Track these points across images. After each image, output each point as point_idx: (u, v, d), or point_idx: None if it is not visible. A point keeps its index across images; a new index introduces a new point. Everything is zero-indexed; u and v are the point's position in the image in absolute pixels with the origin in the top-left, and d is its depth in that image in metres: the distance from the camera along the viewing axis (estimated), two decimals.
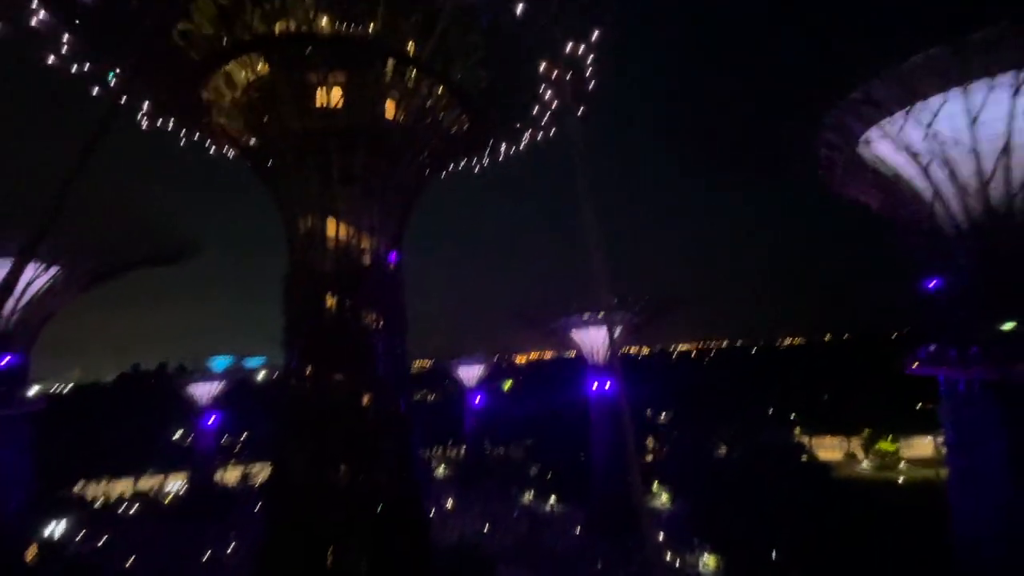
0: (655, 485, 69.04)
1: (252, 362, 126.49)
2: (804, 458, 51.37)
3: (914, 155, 30.11)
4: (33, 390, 57.79)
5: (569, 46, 30.02)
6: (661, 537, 52.44)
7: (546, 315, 71.99)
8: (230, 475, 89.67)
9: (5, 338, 47.99)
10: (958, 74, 26.69)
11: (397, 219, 33.60)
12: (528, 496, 73.10)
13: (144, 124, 33.00)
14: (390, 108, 31.53)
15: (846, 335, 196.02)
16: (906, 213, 33.27)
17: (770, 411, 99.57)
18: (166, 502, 79.84)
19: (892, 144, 30.46)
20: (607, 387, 66.42)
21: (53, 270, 49.27)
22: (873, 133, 30.62)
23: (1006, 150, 28.11)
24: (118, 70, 27.90)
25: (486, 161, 43.87)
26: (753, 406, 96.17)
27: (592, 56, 31.85)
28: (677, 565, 48.36)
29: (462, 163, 42.22)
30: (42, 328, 52.62)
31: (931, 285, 32.79)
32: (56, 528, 59.16)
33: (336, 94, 29.78)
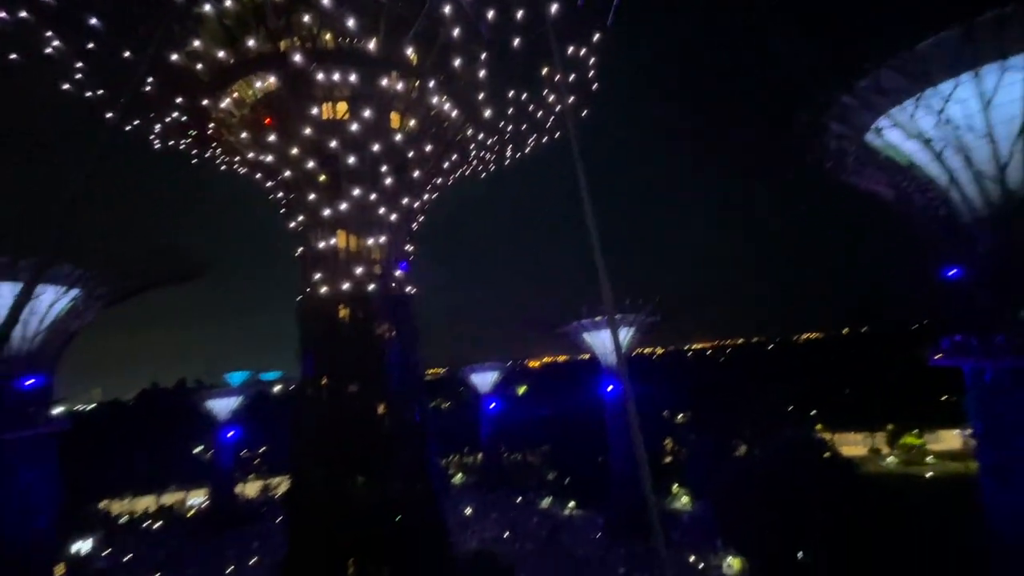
0: (675, 487, 68.16)
1: (268, 376, 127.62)
2: (827, 455, 50.36)
3: (927, 142, 29.55)
4: (57, 410, 59.00)
5: (570, 49, 30.11)
6: (682, 540, 51.72)
7: (557, 320, 71.82)
8: (250, 488, 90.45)
9: (30, 359, 49.06)
10: (969, 57, 26.18)
11: (406, 229, 33.88)
12: (547, 501, 72.65)
13: (156, 145, 33.75)
14: (395, 119, 31.90)
15: (865, 328, 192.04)
16: (921, 201, 32.60)
17: (790, 408, 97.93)
18: (188, 516, 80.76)
19: (903, 132, 29.95)
20: (619, 389, 65.94)
21: (73, 292, 50.38)
22: (883, 122, 30.12)
23: (1022, 133, 27.48)
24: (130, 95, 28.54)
25: (492, 167, 44.05)
26: (772, 403, 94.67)
27: (593, 58, 31.91)
28: (700, 567, 47.61)
29: (469, 170, 42.44)
30: (64, 349, 53.73)
31: (951, 274, 32.02)
32: (83, 545, 60.10)
33: (342, 108, 30.19)
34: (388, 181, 31.27)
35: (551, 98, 34.26)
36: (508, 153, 42.30)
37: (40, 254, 46.88)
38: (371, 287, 30.73)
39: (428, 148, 33.42)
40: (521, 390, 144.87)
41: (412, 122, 32.32)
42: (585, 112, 37.25)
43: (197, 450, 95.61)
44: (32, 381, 49.47)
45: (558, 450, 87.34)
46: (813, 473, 43.81)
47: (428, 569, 29.33)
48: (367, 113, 30.04)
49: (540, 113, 36.10)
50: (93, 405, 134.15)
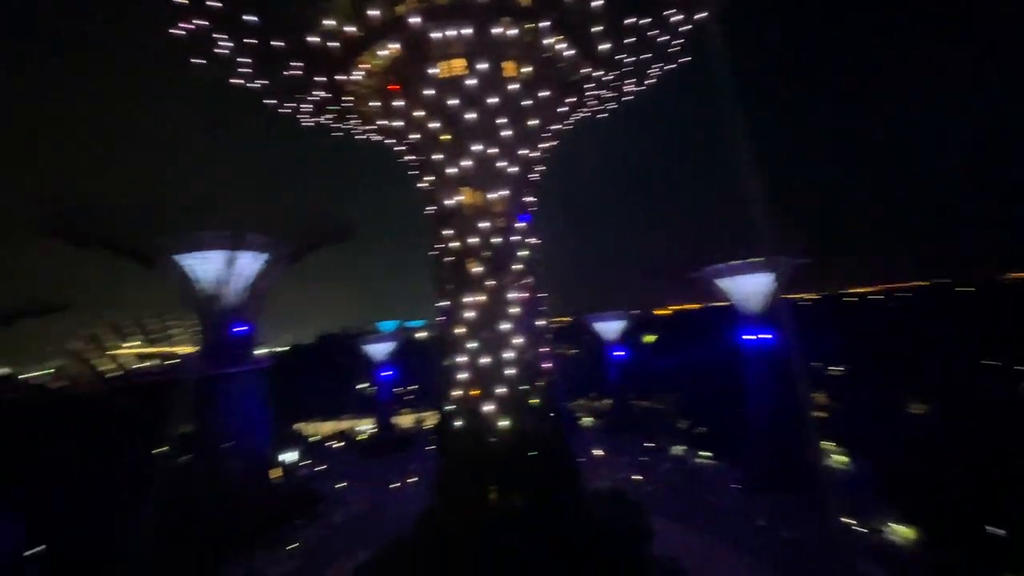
0: (826, 444, 61.93)
1: (414, 324, 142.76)
2: None
3: None
4: (261, 351, 73.62)
5: None
6: (833, 499, 47.37)
7: (688, 266, 67.45)
8: (405, 420, 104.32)
9: (239, 311, 61.49)
10: None
11: (527, 181, 34.05)
12: (678, 449, 71.67)
13: (305, 123, 38.09)
14: (510, 68, 31.50)
15: None
16: None
17: (987, 362, 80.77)
18: (359, 439, 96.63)
19: None
20: (764, 338, 60.60)
21: (263, 256, 61.14)
22: None
23: None
24: (283, 79, 32.31)
25: (612, 105, 41.55)
26: (959, 356, 79.00)
27: None
28: (856, 530, 43.41)
29: (587, 112, 40.60)
30: (262, 302, 66.00)
31: None
32: (288, 456, 75.87)
33: (459, 64, 30.66)
34: (506, 133, 31.43)
35: (676, 17, 30.63)
36: (628, 88, 39.34)
37: (238, 228, 57.59)
38: (496, 240, 31.90)
39: (544, 94, 32.58)
40: (649, 339, 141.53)
41: (527, 68, 31.63)
42: (716, 28, 32.72)
43: (361, 386, 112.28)
44: (243, 328, 62.09)
45: (689, 399, 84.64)
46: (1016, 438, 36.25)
47: (559, 499, 31.38)
48: (483, 65, 30.13)
49: (664, 37, 32.60)
50: (286, 348, 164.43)
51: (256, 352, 66.52)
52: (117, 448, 65.57)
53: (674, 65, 36.66)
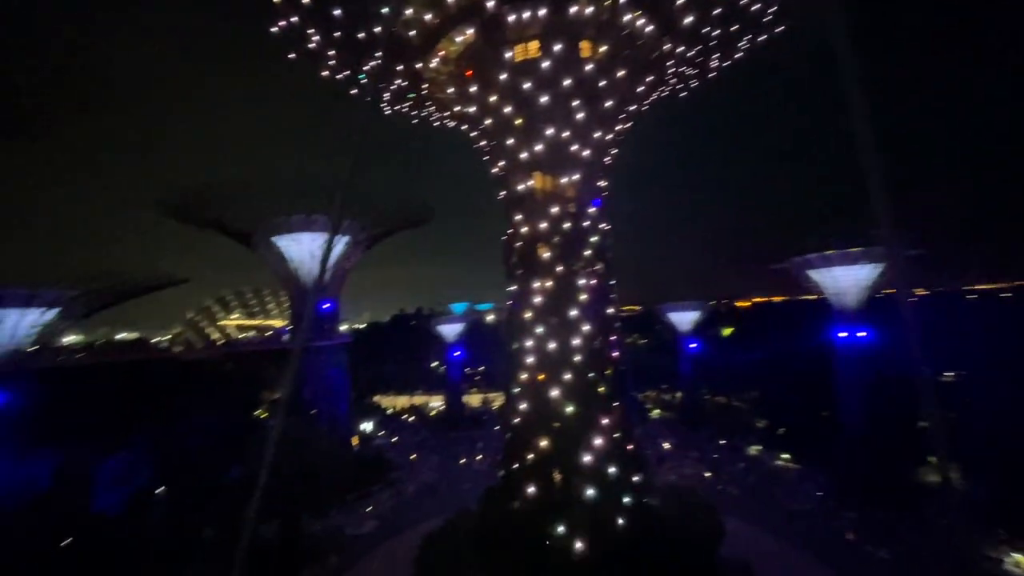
0: (933, 458, 55.48)
1: (483, 307, 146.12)
2: None
3: None
4: (343, 327, 79.10)
5: None
6: (938, 520, 42.52)
7: (775, 254, 62.65)
8: (474, 399, 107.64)
9: (324, 289, 66.29)
10: None
11: (600, 165, 33.16)
12: (754, 448, 67.74)
13: (386, 111, 39.63)
14: (586, 48, 30.60)
15: None
16: None
17: None
18: (431, 415, 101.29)
19: None
20: (861, 336, 55.15)
21: (346, 238, 65.17)
22: None
23: None
24: (366, 70, 33.77)
25: (694, 84, 39.14)
26: None
27: None
28: (963, 556, 38.71)
29: (666, 91, 38.56)
30: (344, 281, 70.66)
31: None
32: (366, 425, 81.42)
33: (533, 46, 30.26)
34: (580, 116, 30.70)
35: None
36: (713, 64, 36.76)
37: (330, 212, 61.68)
38: (566, 225, 31.51)
39: (621, 74, 31.32)
40: (727, 331, 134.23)
41: (603, 48, 30.54)
42: None
43: (433, 364, 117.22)
44: (328, 305, 66.88)
45: (770, 397, 79.32)
46: None
47: (624, 488, 30.94)
48: (558, 47, 29.52)
49: (756, 5, 29.95)
50: (363, 325, 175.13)
51: (339, 328, 71.55)
52: (223, 408, 73.81)
53: (766, 36, 33.68)
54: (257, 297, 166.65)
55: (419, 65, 33.10)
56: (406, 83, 35.29)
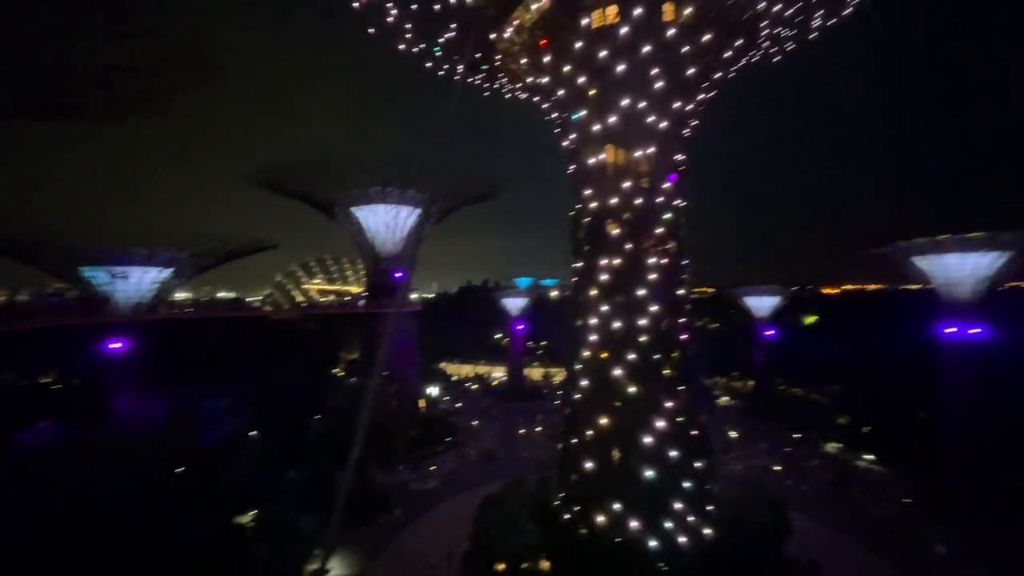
0: None
1: (547, 282, 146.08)
2: None
3: None
4: (413, 296, 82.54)
5: None
6: None
7: (874, 238, 56.50)
8: (535, 372, 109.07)
9: (397, 259, 69.24)
10: None
11: (677, 137, 31.33)
12: (833, 446, 63.24)
13: (457, 82, 39.74)
14: (669, 11, 28.61)
15: None
16: None
17: None
18: (493, 384, 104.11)
19: None
20: (973, 333, 48.94)
21: (417, 211, 67.27)
22: None
23: None
24: (440, 42, 33.93)
25: (789, 47, 35.56)
26: None
27: None
28: None
29: (758, 55, 35.30)
30: (416, 252, 73.26)
31: None
32: (433, 390, 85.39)
33: (612, 11, 28.77)
34: (659, 85, 29.00)
35: None
36: (815, 23, 33.05)
37: (399, 184, 63.94)
38: (638, 201, 30.33)
39: (707, 38, 29.02)
40: (809, 319, 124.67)
41: (688, 10, 28.36)
42: None
43: (497, 336, 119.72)
44: (400, 274, 69.86)
45: (855, 393, 73.09)
46: None
47: (686, 472, 30.27)
48: (638, 11, 27.85)
49: None
50: (432, 295, 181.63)
51: (409, 296, 74.76)
52: (305, 364, 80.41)
53: None
54: (337, 264, 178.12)
55: (493, 35, 32.68)
56: (479, 55, 35.07)
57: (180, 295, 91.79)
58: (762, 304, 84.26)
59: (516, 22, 31.68)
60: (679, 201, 31.64)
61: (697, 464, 31.07)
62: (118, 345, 50.41)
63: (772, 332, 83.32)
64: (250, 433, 51.41)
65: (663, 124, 29.79)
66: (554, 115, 34.55)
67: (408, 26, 33.11)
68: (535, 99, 36.74)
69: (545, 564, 29.81)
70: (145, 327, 52.23)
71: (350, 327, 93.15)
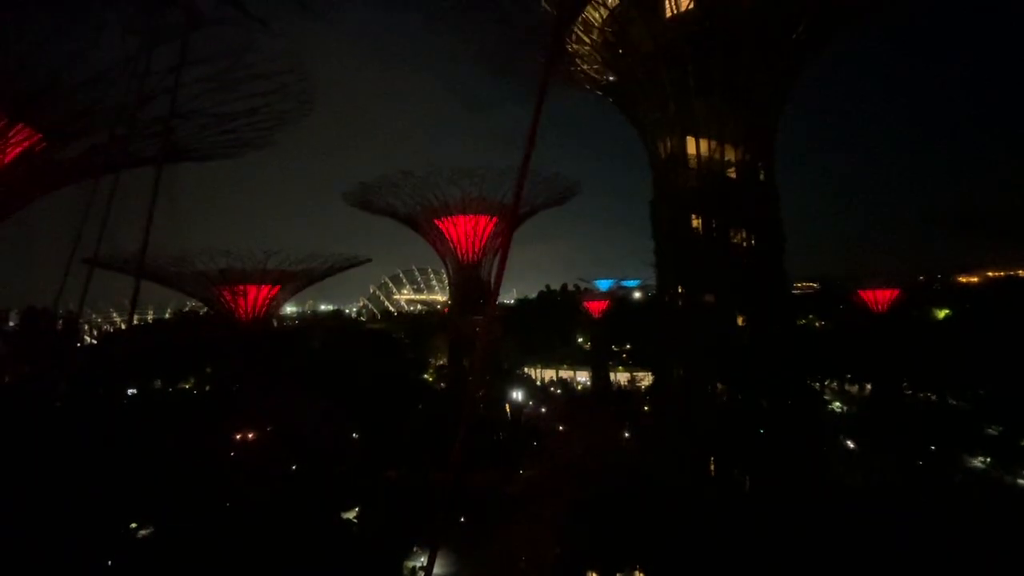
0: None
1: (629, 284, 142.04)
2: None
3: None
4: (498, 303, 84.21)
5: None
6: None
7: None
8: (620, 376, 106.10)
9: (479, 267, 71.34)
10: None
11: (764, 125, 29.05)
12: (978, 460, 54.30)
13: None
14: None
15: None
16: None
17: None
18: (577, 389, 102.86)
19: None
20: None
21: (495, 220, 68.91)
22: None
23: None
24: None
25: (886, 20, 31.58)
26: None
27: None
28: None
29: (857, 28, 31.69)
30: (497, 259, 74.91)
31: None
32: (516, 393, 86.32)
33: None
34: (740, 71, 27.11)
35: None
36: None
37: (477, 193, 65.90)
38: (724, 191, 28.50)
39: (787, 16, 26.66)
40: (941, 313, 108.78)
41: None
42: None
43: (579, 340, 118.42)
44: (485, 281, 71.79)
45: (1008, 398, 62.23)
46: None
47: (791, 487, 27.67)
48: None
49: None
50: (512, 301, 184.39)
51: (495, 303, 76.41)
52: (399, 369, 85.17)
53: None
54: (423, 274, 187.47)
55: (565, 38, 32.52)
56: (552, 57, 35.05)
57: (288, 309, 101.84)
58: (876, 298, 75.08)
59: (585, 18, 31.29)
60: (770, 188, 29.27)
61: (804, 471, 28.28)
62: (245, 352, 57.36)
63: (890, 330, 73.84)
64: (352, 435, 55.50)
65: (747, 109, 27.79)
66: (630, 111, 33.60)
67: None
68: (609, 97, 36.01)
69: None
70: (261, 337, 58.65)
71: (438, 334, 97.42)
